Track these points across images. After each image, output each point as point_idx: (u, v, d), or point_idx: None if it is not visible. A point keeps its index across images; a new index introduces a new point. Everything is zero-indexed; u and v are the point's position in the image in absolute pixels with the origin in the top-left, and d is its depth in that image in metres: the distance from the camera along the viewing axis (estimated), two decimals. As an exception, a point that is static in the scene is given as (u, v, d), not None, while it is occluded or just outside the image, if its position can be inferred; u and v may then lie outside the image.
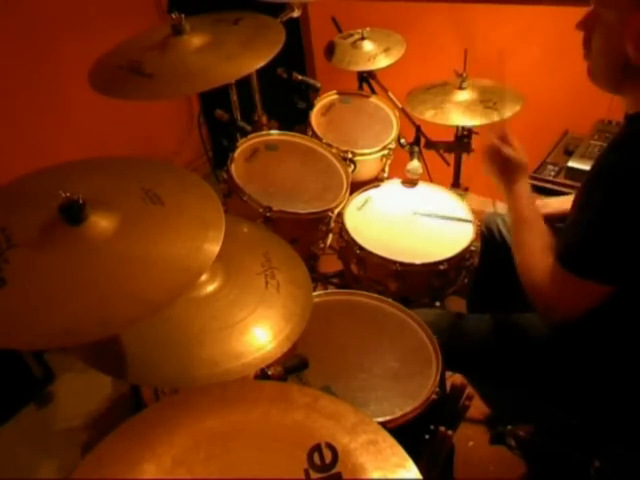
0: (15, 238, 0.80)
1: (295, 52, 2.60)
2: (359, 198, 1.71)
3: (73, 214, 0.81)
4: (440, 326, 1.23)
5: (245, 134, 1.62)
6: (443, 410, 1.10)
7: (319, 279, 1.87)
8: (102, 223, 0.83)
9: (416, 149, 1.82)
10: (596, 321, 1.04)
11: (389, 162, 1.85)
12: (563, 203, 1.41)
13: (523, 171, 1.21)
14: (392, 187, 1.77)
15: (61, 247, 0.80)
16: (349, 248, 1.55)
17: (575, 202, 1.04)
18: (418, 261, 1.45)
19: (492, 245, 1.53)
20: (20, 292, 0.75)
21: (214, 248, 0.83)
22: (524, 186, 1.19)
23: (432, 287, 1.51)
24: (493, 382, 1.26)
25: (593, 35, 0.98)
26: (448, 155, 1.98)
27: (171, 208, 0.89)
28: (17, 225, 0.83)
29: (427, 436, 1.05)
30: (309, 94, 1.89)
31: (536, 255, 1.07)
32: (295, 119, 1.89)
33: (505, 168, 1.21)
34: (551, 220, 1.39)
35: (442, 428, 1.04)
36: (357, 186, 1.73)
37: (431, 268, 1.46)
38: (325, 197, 1.59)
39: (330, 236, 1.63)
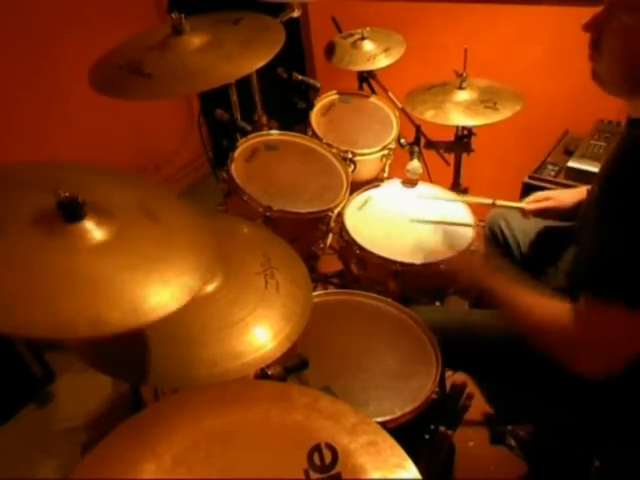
0: (5, 222, 0.79)
1: (295, 52, 2.60)
2: (359, 198, 1.71)
3: (71, 211, 0.80)
4: (440, 325, 1.23)
5: (245, 134, 1.62)
6: (443, 410, 1.10)
7: (319, 279, 1.87)
8: (99, 226, 0.82)
9: (416, 149, 1.82)
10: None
11: (389, 162, 1.85)
12: (566, 198, 1.40)
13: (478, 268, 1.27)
14: (392, 187, 1.77)
15: (52, 240, 0.79)
16: (349, 248, 1.55)
17: (590, 217, 0.97)
18: (418, 261, 1.45)
19: (495, 245, 1.53)
20: (5, 276, 0.73)
21: (195, 284, 0.82)
22: (477, 266, 1.28)
23: (432, 287, 1.51)
24: (494, 381, 1.26)
25: (605, 37, 0.93)
26: (448, 155, 1.98)
27: (166, 229, 0.89)
28: (9, 210, 0.81)
29: (427, 436, 1.05)
30: (309, 94, 1.90)
31: (542, 309, 0.98)
32: (295, 119, 1.89)
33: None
34: (559, 214, 1.38)
35: (442, 428, 1.04)
36: (357, 186, 1.73)
37: (431, 268, 1.46)
38: (325, 197, 1.59)
39: (330, 236, 1.63)
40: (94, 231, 0.82)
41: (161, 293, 0.79)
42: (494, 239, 1.54)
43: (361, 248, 1.49)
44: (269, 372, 0.97)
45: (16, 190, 0.88)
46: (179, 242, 0.88)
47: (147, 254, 0.84)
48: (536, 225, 1.50)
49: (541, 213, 1.43)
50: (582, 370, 0.92)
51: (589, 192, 1.19)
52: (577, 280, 0.96)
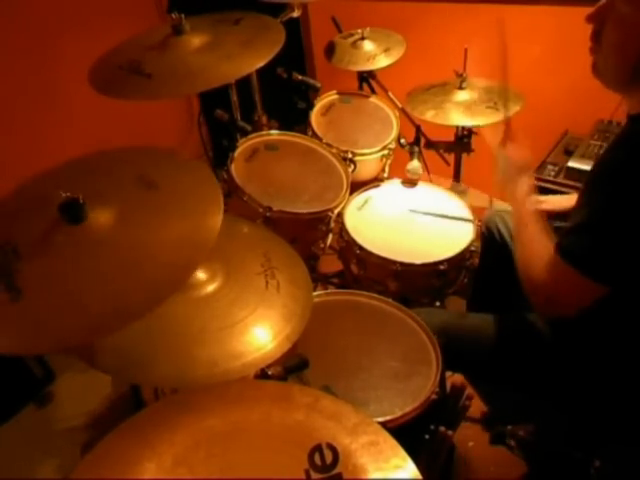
0: (21, 248, 0.81)
1: (295, 52, 2.60)
2: (359, 198, 1.71)
3: (73, 213, 0.81)
4: (440, 326, 1.23)
5: (245, 134, 1.62)
6: (443, 410, 1.10)
7: (319, 279, 1.87)
8: (103, 217, 0.84)
9: (416, 149, 1.82)
10: (596, 320, 1.04)
11: (389, 162, 1.85)
12: (562, 201, 1.42)
13: (525, 170, 1.26)
14: (392, 187, 1.77)
15: (67, 247, 0.81)
16: (349, 248, 1.55)
17: (579, 197, 1.03)
18: (418, 261, 1.45)
19: (492, 245, 1.53)
20: (38, 298, 0.76)
21: (216, 219, 0.84)
22: (523, 186, 1.23)
23: (432, 287, 1.51)
24: (493, 382, 1.26)
25: (605, 29, 0.94)
26: (448, 155, 1.98)
27: (166, 190, 0.91)
28: (21, 234, 0.84)
29: (427, 436, 1.05)
30: (309, 94, 1.89)
31: (535, 247, 1.07)
32: (295, 119, 1.89)
33: (510, 169, 1.27)
34: (549, 217, 1.40)
35: (442, 428, 1.04)
36: (357, 186, 1.73)
37: (431, 268, 1.46)
38: (325, 197, 1.59)
39: (330, 236, 1.63)
40: (101, 224, 0.83)
41: (179, 255, 0.81)
42: (491, 238, 1.54)
43: (361, 248, 1.49)
44: (269, 372, 0.97)
45: (21, 210, 0.90)
46: (182, 204, 0.90)
47: (155, 224, 0.86)
48: None
49: None
50: (536, 307, 1.06)
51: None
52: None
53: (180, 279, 0.79)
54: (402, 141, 1.85)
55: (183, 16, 1.30)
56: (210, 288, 1.04)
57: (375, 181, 1.80)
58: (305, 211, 1.51)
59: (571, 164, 1.82)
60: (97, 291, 0.77)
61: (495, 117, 1.63)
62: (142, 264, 0.80)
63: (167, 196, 0.90)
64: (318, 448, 0.64)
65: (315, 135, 1.77)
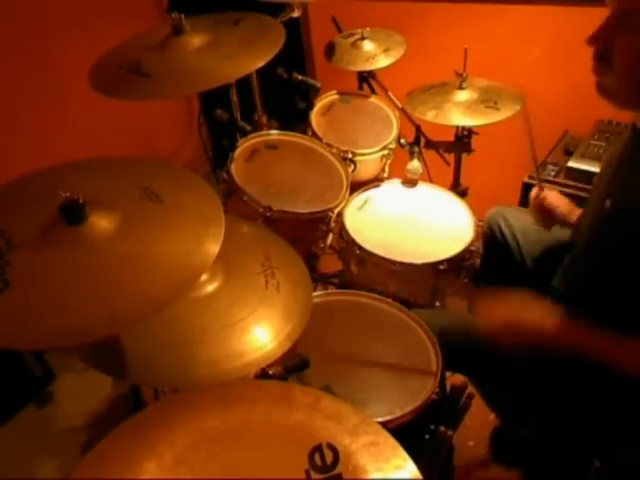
0: (16, 239, 0.80)
1: (295, 52, 2.60)
2: (359, 198, 1.71)
3: (73, 214, 0.81)
4: (441, 326, 1.23)
5: (245, 134, 1.62)
6: (443, 410, 1.10)
7: (319, 279, 1.87)
8: (102, 222, 0.83)
9: (416, 149, 1.82)
10: (597, 322, 1.04)
11: (389, 162, 1.85)
12: (561, 201, 1.39)
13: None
14: (392, 187, 1.77)
15: (62, 247, 0.80)
16: (349, 248, 1.55)
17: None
18: (418, 261, 1.45)
19: (494, 244, 1.53)
20: (24, 293, 0.75)
21: (215, 245, 0.83)
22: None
23: (432, 287, 1.51)
24: (493, 382, 1.26)
25: (617, 48, 0.89)
26: (448, 155, 1.98)
27: (170, 206, 0.89)
28: (17, 226, 0.83)
29: (427, 436, 1.05)
30: (309, 94, 1.90)
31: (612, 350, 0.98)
32: (295, 119, 1.89)
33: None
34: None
35: (442, 428, 1.04)
36: (357, 186, 1.73)
37: (431, 268, 1.46)
38: (325, 197, 1.59)
39: (330, 236, 1.63)
40: (99, 229, 0.82)
41: (171, 276, 0.80)
42: (493, 239, 1.54)
43: (361, 248, 1.49)
44: (270, 372, 0.97)
45: (20, 203, 0.89)
46: (185, 219, 0.89)
47: (154, 238, 0.85)
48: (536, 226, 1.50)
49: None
50: None
51: (592, 194, 1.19)
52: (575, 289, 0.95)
53: (169, 298, 0.77)
54: (402, 141, 1.85)
55: (183, 16, 1.30)
56: (210, 288, 1.04)
57: (375, 181, 1.80)
58: (305, 211, 1.51)
59: (571, 164, 1.82)
60: (84, 296, 0.76)
61: (495, 117, 1.63)
62: (134, 277, 0.79)
63: (170, 213, 0.89)
64: (318, 448, 0.64)
65: (315, 135, 1.77)
